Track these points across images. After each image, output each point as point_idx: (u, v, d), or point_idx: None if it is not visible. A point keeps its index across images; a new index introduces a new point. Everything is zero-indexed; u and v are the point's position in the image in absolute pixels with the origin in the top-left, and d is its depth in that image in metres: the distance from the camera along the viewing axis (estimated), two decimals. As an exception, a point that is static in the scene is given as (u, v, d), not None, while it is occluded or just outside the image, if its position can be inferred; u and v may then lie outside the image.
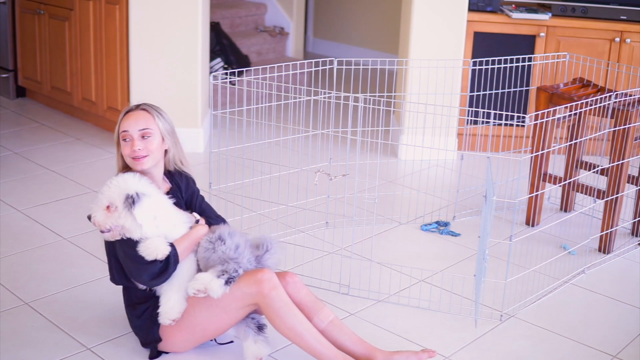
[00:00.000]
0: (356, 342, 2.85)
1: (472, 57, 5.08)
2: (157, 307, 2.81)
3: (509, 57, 4.60)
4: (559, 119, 4.02)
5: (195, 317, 2.79)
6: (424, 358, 2.86)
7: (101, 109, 5.38)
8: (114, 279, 2.90)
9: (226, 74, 5.25)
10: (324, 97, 3.70)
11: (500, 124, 4.94)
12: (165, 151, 2.92)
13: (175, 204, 2.88)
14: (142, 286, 2.84)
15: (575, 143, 4.06)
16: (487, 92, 4.77)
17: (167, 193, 2.91)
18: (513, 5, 5.24)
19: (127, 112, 2.86)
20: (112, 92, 5.26)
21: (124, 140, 2.82)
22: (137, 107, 2.87)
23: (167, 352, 2.91)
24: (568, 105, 3.79)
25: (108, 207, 2.70)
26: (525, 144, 5.05)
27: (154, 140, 2.82)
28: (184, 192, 2.98)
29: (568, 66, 4.82)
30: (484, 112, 4.70)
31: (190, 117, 5.05)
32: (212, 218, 2.98)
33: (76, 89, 5.55)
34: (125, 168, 2.89)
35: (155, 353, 2.88)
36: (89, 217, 2.74)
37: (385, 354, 2.84)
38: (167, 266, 2.73)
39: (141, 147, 2.80)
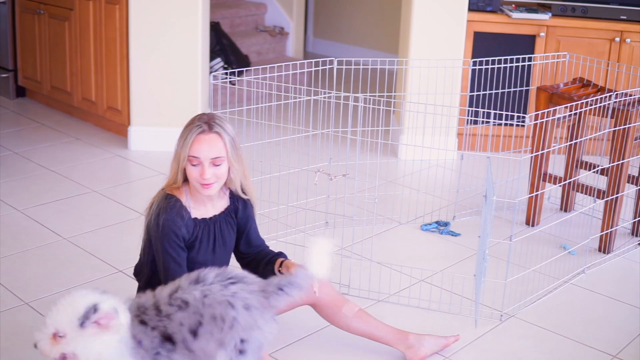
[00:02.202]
0: (385, 329, 2.94)
1: (472, 57, 5.07)
2: None
3: (509, 57, 4.60)
4: (559, 118, 4.02)
5: None
6: (451, 341, 3.01)
7: (101, 109, 5.38)
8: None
9: (226, 74, 5.24)
10: (324, 97, 3.70)
11: (500, 124, 4.94)
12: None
13: (228, 224, 2.77)
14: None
15: (575, 143, 4.06)
16: (487, 92, 4.77)
17: (223, 212, 2.79)
18: (513, 5, 5.23)
19: (199, 133, 2.63)
20: (112, 92, 5.26)
21: (193, 165, 2.63)
22: (209, 127, 2.63)
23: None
24: (568, 105, 3.79)
25: (54, 334, 2.27)
26: (525, 144, 5.05)
27: (224, 166, 2.66)
28: (240, 214, 2.84)
29: (568, 66, 4.82)
30: (484, 112, 4.70)
31: (190, 117, 5.01)
32: (252, 247, 2.88)
33: (76, 89, 5.55)
34: (181, 182, 2.70)
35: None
36: (35, 345, 2.31)
37: (416, 335, 2.95)
38: None
39: (210, 176, 2.62)
